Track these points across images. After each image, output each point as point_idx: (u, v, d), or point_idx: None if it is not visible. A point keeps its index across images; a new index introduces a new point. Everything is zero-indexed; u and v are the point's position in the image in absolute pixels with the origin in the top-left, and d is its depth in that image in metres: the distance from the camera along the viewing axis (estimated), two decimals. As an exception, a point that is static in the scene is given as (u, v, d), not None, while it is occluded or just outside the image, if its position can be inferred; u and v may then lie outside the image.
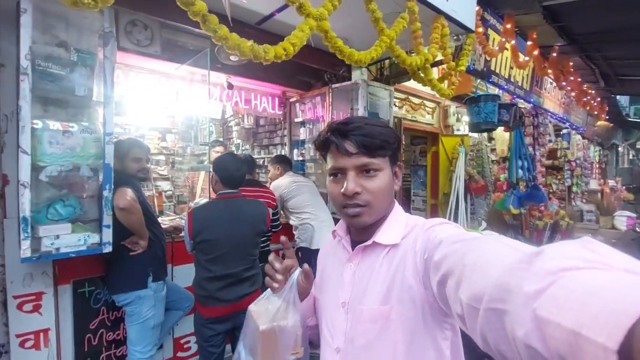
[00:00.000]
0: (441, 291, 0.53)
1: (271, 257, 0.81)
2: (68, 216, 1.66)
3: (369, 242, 0.72)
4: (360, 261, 0.73)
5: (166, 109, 4.45)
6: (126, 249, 1.86)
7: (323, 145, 0.74)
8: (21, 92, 1.49)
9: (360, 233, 0.75)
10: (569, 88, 4.98)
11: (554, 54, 4.21)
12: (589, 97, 5.76)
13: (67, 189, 1.69)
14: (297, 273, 0.77)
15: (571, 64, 4.66)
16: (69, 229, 1.65)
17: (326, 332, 0.77)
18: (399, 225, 0.72)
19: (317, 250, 2.54)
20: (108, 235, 1.74)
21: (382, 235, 0.71)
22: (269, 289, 0.80)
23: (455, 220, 4.01)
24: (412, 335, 0.65)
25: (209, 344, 1.81)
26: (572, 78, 4.77)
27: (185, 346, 2.42)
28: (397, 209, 0.77)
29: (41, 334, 1.80)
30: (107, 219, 1.74)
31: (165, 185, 5.29)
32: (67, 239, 1.64)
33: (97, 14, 1.68)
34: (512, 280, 0.36)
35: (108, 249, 1.74)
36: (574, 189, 5.92)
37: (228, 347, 1.99)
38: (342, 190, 0.69)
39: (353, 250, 0.75)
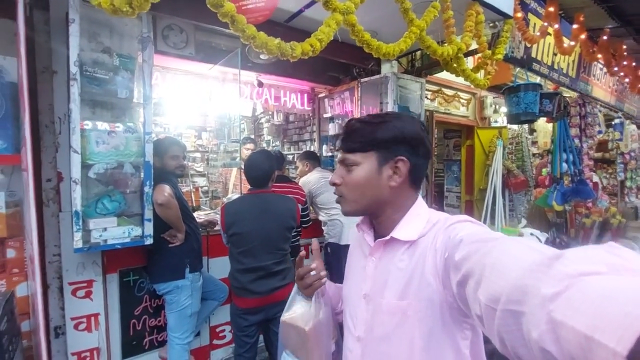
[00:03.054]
0: (461, 291, 0.53)
1: (301, 272, 0.84)
2: (114, 210, 1.80)
3: (387, 237, 0.73)
4: (382, 255, 0.75)
5: (201, 108, 4.64)
6: (165, 242, 1.97)
7: None
8: (71, 96, 1.62)
9: (381, 227, 0.77)
10: (621, 74, 4.55)
11: (604, 37, 3.86)
12: (646, 83, 5.23)
13: (113, 185, 1.82)
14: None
15: (624, 47, 4.26)
16: (115, 222, 1.78)
17: (349, 320, 0.80)
18: (419, 221, 0.72)
19: (346, 246, 2.55)
20: (149, 228, 1.86)
21: (400, 231, 0.72)
22: (290, 298, 0.88)
23: (492, 217, 3.83)
24: (430, 333, 0.65)
25: (243, 334, 1.89)
26: (625, 63, 4.35)
27: (221, 334, 2.54)
28: (419, 204, 0.76)
29: (92, 318, 1.97)
30: (148, 213, 1.85)
31: (201, 181, 5.55)
32: (113, 232, 1.77)
33: (136, 21, 1.79)
34: (530, 282, 0.36)
35: (149, 241, 1.86)
36: (628, 183, 5.44)
37: (261, 337, 2.05)
38: None
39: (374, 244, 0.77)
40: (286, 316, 0.85)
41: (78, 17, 1.61)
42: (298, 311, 0.83)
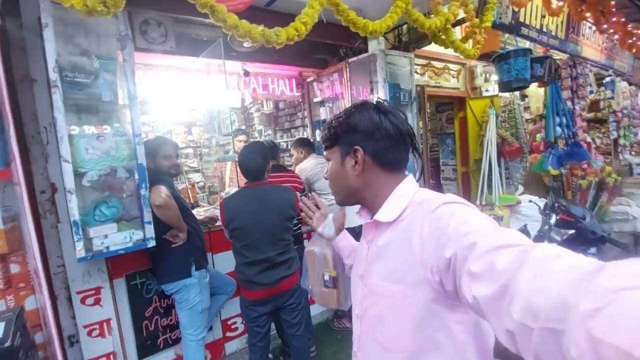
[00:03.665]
0: (483, 304, 0.49)
1: (307, 202, 1.13)
2: (112, 216, 1.78)
3: (371, 221, 0.77)
4: (373, 238, 0.78)
5: (188, 103, 4.55)
6: (168, 242, 1.97)
7: None
8: (54, 103, 1.57)
9: (373, 212, 0.79)
10: (611, 31, 4.48)
11: (592, -6, 3.78)
12: (635, 39, 5.17)
13: (109, 191, 1.80)
14: (331, 215, 1.05)
15: (612, 3, 4.18)
16: (115, 228, 1.77)
17: (352, 299, 0.86)
18: (400, 201, 0.73)
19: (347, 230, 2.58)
20: (150, 230, 1.85)
21: (382, 213, 0.74)
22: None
23: (489, 187, 3.86)
24: (419, 317, 0.65)
25: (254, 325, 1.92)
26: (614, 19, 4.28)
27: (233, 327, 2.58)
28: (405, 185, 0.76)
29: (104, 324, 1.98)
30: (148, 216, 1.84)
31: (196, 177, 5.52)
32: (114, 238, 1.76)
33: (112, 19, 1.71)
34: (569, 299, 0.35)
35: (152, 243, 1.85)
36: (621, 141, 5.46)
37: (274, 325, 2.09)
38: None
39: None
40: (308, 247, 1.12)
41: (51, 20, 1.54)
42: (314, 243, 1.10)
